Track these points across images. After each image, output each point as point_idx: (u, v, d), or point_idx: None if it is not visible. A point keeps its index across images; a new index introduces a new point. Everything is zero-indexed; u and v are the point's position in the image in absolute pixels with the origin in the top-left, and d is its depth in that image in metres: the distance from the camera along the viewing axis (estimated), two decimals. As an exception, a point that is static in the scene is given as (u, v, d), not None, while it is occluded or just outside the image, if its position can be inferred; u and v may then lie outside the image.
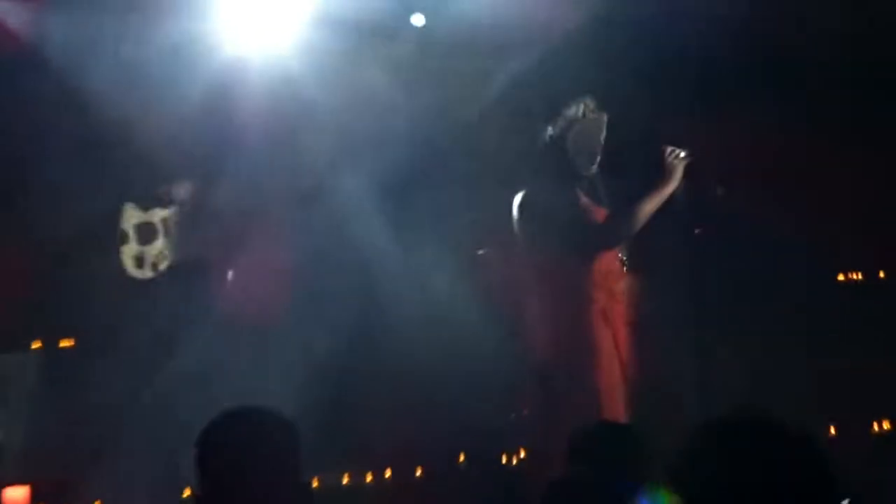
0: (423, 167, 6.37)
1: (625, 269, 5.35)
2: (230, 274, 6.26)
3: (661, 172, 5.22)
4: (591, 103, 5.34)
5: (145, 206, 6.19)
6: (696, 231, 5.58)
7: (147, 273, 6.15)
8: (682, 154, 5.24)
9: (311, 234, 6.07)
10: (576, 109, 5.31)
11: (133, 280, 6.18)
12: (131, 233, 6.16)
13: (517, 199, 5.29)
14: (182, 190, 6.27)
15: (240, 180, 6.10)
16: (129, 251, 6.12)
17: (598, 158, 5.31)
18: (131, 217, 6.19)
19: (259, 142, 5.98)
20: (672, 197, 5.23)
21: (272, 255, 6.13)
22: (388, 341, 6.35)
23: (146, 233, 6.16)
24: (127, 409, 5.83)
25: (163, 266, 6.20)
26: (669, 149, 5.25)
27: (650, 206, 5.18)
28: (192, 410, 4.18)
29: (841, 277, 6.81)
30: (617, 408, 5.08)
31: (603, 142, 5.29)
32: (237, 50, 5.97)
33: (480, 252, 6.48)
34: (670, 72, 6.15)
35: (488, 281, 6.16)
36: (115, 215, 6.20)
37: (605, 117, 5.32)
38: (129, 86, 5.70)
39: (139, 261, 6.13)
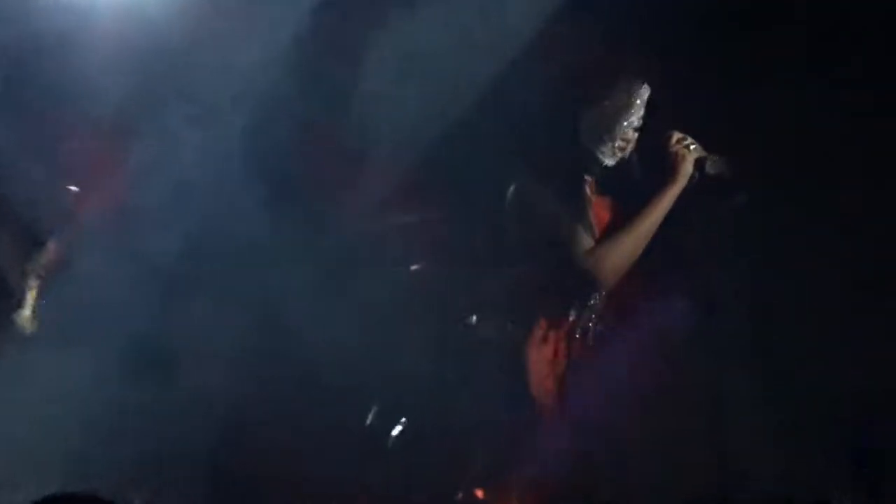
0: (341, 143, 5.57)
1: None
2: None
3: (665, 167, 4.93)
4: (616, 75, 4.97)
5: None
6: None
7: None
8: (693, 144, 4.93)
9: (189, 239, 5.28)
10: (593, 86, 4.96)
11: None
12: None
13: (510, 192, 5.00)
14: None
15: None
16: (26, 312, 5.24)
17: (629, 149, 4.98)
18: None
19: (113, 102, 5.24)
20: (680, 199, 4.94)
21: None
22: (290, 387, 5.48)
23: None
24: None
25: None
26: (676, 136, 4.93)
27: (653, 217, 4.91)
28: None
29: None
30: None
31: (637, 126, 4.96)
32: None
33: (415, 268, 5.73)
34: (678, 35, 5.45)
35: (427, 304, 5.52)
36: None
37: (642, 94, 4.93)
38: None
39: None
